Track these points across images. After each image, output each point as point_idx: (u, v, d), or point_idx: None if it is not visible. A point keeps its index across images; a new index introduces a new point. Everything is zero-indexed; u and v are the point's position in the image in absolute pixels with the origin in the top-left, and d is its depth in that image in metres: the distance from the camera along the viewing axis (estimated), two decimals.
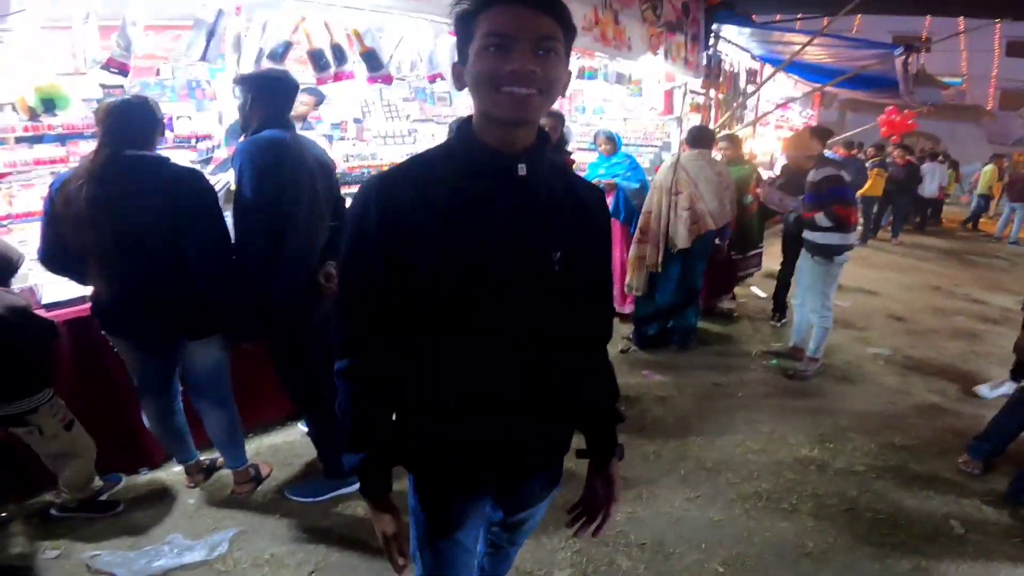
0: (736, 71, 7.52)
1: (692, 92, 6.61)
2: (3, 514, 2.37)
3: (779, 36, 6.72)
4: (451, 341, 1.06)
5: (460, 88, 1.03)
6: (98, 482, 2.41)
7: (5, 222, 2.77)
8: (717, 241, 4.20)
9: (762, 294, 5.70)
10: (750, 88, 7.85)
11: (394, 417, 1.16)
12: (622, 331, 4.40)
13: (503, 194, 1.02)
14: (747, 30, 6.62)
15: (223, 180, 2.72)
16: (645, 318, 4.24)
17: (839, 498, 2.63)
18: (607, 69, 5.36)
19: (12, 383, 2.10)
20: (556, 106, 6.11)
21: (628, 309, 4.63)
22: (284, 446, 2.91)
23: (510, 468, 1.19)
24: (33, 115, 2.70)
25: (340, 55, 2.98)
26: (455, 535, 1.24)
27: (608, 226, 1.24)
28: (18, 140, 2.80)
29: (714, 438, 3.11)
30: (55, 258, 2.11)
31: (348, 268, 1.09)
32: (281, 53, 2.80)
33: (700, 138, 4.13)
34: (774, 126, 9.39)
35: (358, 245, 1.04)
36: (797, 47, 6.01)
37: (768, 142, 9.11)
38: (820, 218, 3.59)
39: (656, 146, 6.38)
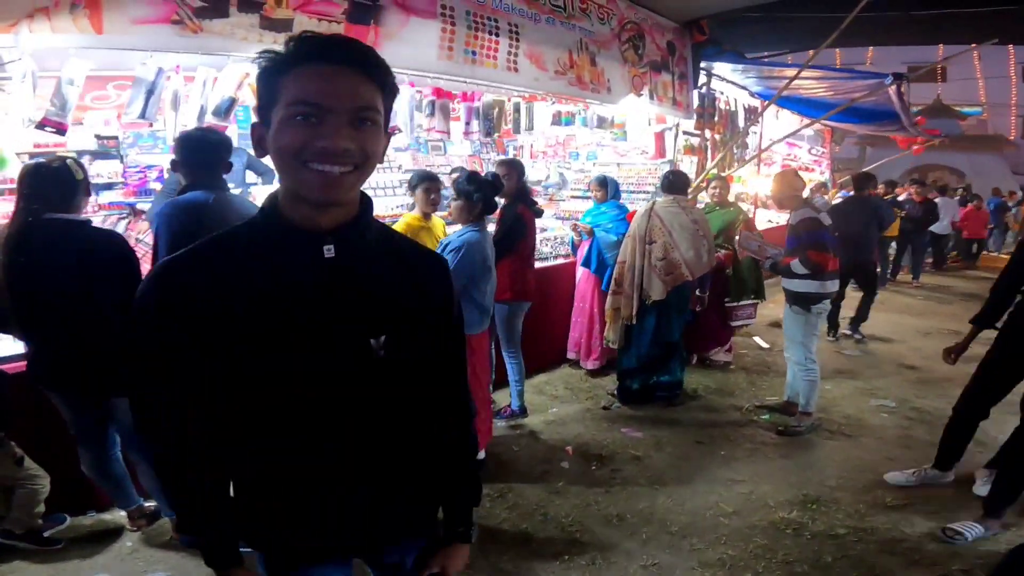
0: (733, 109, 7.62)
1: (685, 133, 6.71)
2: None
3: (778, 71, 6.78)
4: (271, 430, 1.00)
5: (260, 155, 0.94)
6: (39, 521, 2.52)
7: None
8: (697, 292, 4.18)
9: (764, 344, 5.61)
10: (751, 127, 7.93)
11: (230, 493, 1.11)
12: (607, 386, 4.36)
13: (309, 277, 0.95)
14: (741, 66, 6.73)
15: None
16: (628, 372, 4.18)
17: (811, 565, 2.51)
18: (586, 113, 5.48)
19: None
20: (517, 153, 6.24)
21: (592, 365, 4.61)
22: None
23: (362, 539, 1.15)
24: None
25: None
26: None
27: (450, 297, 1.14)
28: None
29: (685, 500, 3.01)
30: None
31: (131, 360, 1.02)
32: (225, 109, 2.97)
33: (675, 183, 4.12)
34: (780, 165, 9.45)
35: (139, 336, 0.99)
36: (793, 80, 6.10)
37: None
38: (796, 265, 3.54)
39: (648, 192, 6.43)
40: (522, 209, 3.63)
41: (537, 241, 4.19)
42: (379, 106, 0.92)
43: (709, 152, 7.00)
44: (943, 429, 3.18)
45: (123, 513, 2.70)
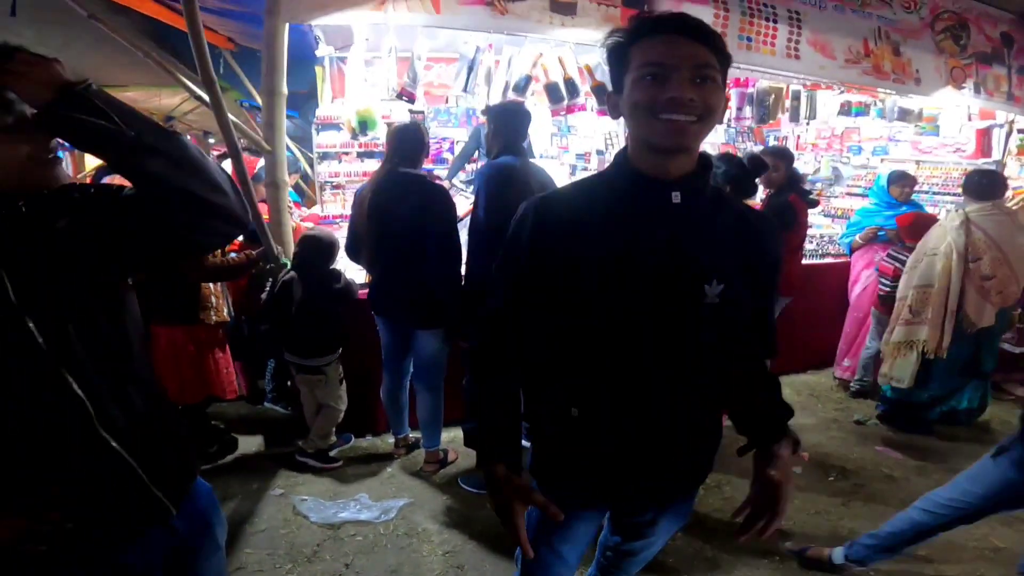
0: None
1: (1021, 132, 5.81)
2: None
3: None
4: (581, 355, 1.15)
5: (615, 117, 1.15)
6: (333, 437, 3.17)
7: (338, 220, 4.05)
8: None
9: None
10: None
11: (523, 418, 1.28)
12: (866, 400, 4.10)
13: (655, 222, 1.08)
14: None
15: None
16: (918, 404, 3.80)
17: None
18: (884, 104, 5.11)
19: (325, 342, 2.95)
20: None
21: (844, 374, 4.35)
22: None
23: (625, 490, 1.26)
24: (354, 134, 3.95)
25: (573, 88, 3.67)
26: (558, 545, 1.36)
27: (779, 256, 1.24)
28: (358, 155, 4.16)
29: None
30: (352, 250, 2.92)
31: (499, 266, 1.22)
32: (523, 86, 3.60)
33: (993, 186, 3.59)
34: None
35: (511, 251, 1.18)
36: None
37: None
38: None
39: (959, 194, 5.68)
40: (793, 197, 3.57)
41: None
42: (715, 65, 1.04)
43: None
44: None
45: (392, 440, 3.27)
